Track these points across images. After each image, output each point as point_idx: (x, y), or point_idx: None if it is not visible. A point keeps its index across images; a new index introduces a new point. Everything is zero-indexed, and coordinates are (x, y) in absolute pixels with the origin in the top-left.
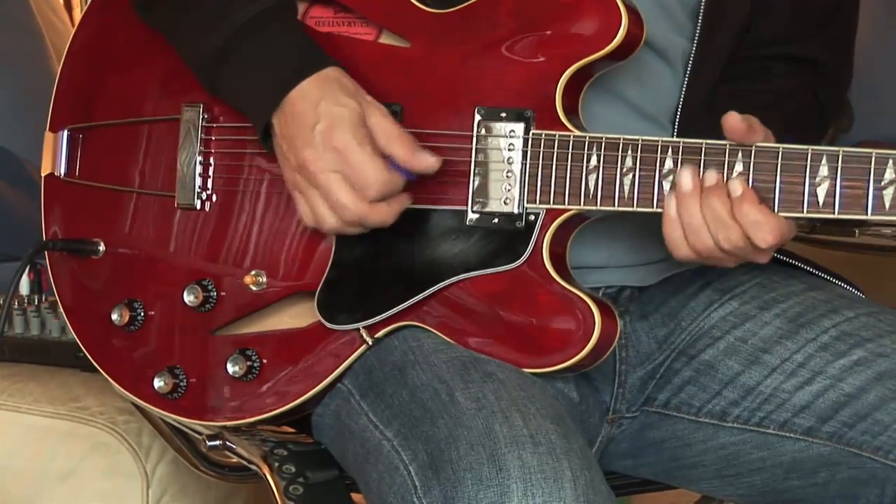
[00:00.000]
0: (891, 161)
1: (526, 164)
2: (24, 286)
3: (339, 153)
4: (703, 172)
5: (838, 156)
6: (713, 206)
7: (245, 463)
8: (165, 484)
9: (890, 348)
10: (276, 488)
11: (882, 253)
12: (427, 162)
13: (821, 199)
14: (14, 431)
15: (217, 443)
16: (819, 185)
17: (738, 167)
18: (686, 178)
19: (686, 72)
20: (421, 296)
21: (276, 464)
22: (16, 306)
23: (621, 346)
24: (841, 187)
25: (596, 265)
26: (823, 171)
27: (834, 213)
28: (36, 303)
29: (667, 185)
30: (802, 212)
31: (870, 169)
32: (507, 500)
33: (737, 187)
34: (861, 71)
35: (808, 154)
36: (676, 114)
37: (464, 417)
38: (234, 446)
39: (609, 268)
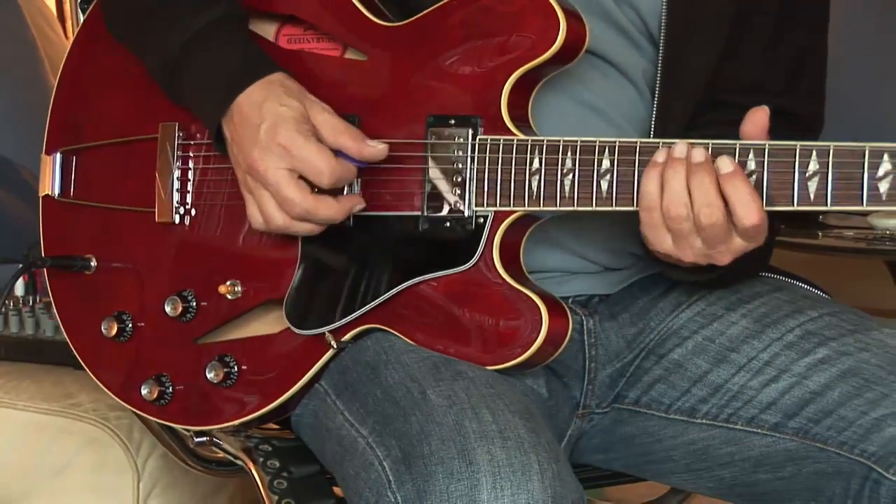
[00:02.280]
0: (814, 152)
1: (473, 169)
2: (19, 287)
3: (285, 149)
4: (692, 150)
5: (765, 149)
6: (703, 181)
7: (231, 458)
8: (155, 478)
9: (853, 347)
10: (261, 482)
11: (844, 254)
12: (376, 149)
13: None
14: (9, 428)
15: (204, 439)
16: (748, 177)
17: None
18: (680, 146)
19: (654, 99)
20: (380, 300)
21: (261, 459)
22: (11, 307)
23: (590, 345)
24: (768, 179)
25: (568, 270)
26: (752, 164)
27: (764, 203)
28: (31, 304)
29: (604, 185)
30: None
31: (794, 162)
32: (476, 492)
33: (727, 164)
34: None
35: (736, 148)
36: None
37: (435, 414)
38: (220, 442)
39: (580, 274)
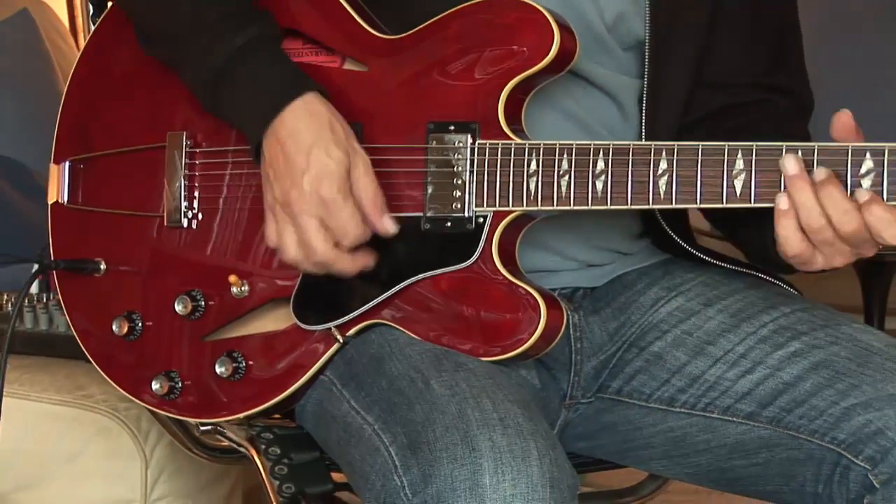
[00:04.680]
0: (800, 153)
1: (473, 172)
2: (34, 285)
3: (325, 203)
4: (814, 169)
5: (752, 150)
6: (832, 194)
7: (235, 446)
8: (162, 465)
9: (824, 340)
10: (263, 468)
11: None
12: (388, 229)
13: (738, 191)
14: (25, 417)
15: (209, 427)
16: (736, 177)
17: (663, 164)
18: (790, 161)
19: (641, 115)
20: (384, 296)
21: (263, 446)
22: (26, 304)
23: (576, 339)
24: (756, 179)
25: (551, 269)
26: (739, 164)
27: (751, 202)
28: (45, 301)
29: (599, 185)
30: (722, 202)
31: (781, 161)
32: (479, 477)
33: (864, 195)
34: None
35: (724, 149)
36: None
37: (439, 403)
38: (224, 431)
39: (563, 271)
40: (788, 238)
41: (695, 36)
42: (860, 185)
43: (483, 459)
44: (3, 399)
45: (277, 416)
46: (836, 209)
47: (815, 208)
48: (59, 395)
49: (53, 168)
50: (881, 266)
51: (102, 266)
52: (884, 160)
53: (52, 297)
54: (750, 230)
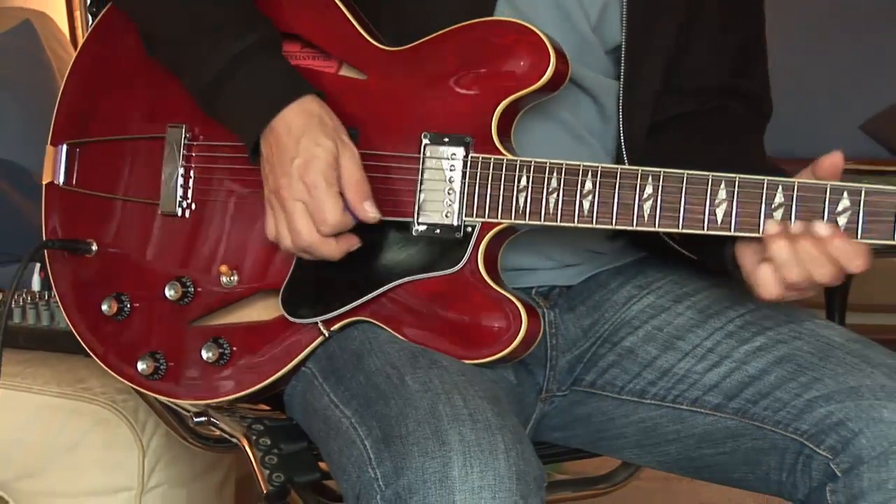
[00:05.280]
0: (780, 187)
1: (465, 183)
2: (36, 283)
3: (308, 188)
4: (792, 222)
5: (735, 181)
6: (805, 248)
7: (227, 436)
8: (159, 454)
9: (787, 336)
10: (254, 458)
11: None
12: (368, 214)
13: (719, 219)
14: (26, 409)
15: (202, 419)
16: (718, 206)
17: (648, 189)
18: (771, 224)
19: (619, 112)
20: (371, 295)
21: (254, 437)
22: (29, 301)
23: (551, 335)
24: (737, 209)
25: (530, 267)
26: (722, 194)
27: (731, 230)
28: (46, 298)
29: (586, 204)
30: (703, 229)
31: (762, 193)
32: (448, 470)
33: (823, 230)
34: None
35: (709, 179)
36: (621, 152)
37: (412, 398)
38: (217, 422)
39: (541, 270)
40: (768, 284)
41: (669, 39)
42: (836, 223)
43: (452, 453)
44: (7, 392)
45: (267, 407)
46: (813, 263)
47: (795, 266)
48: (59, 387)
49: (50, 149)
50: None
51: (94, 247)
52: (860, 199)
53: (52, 294)
54: (707, 249)
